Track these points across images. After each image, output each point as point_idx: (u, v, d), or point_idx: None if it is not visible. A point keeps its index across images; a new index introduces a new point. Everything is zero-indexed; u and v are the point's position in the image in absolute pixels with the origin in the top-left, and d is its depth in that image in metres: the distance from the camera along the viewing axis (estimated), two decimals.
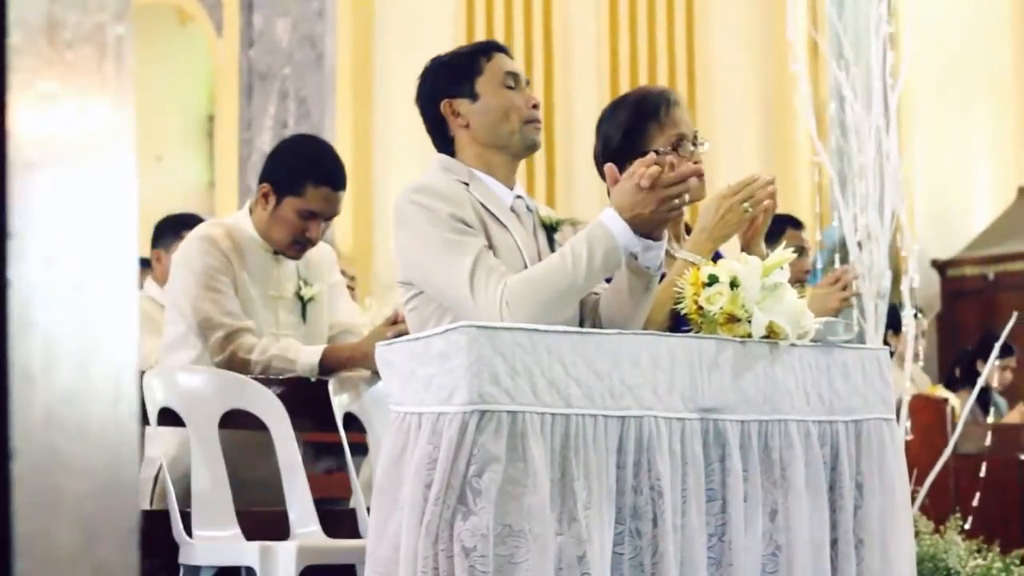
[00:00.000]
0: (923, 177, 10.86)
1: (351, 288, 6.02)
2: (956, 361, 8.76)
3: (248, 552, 3.52)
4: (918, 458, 5.58)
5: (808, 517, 3.28)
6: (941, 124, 11.38)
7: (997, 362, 7.18)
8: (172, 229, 5.47)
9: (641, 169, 3.14)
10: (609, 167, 3.28)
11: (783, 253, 3.35)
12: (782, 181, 11.10)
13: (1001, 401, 8.35)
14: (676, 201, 3.16)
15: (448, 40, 9.74)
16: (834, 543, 3.36)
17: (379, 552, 2.99)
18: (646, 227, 3.16)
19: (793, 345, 3.34)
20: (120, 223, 1.10)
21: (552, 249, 3.48)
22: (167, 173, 12.92)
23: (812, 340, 3.39)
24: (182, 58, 12.96)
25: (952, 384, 7.91)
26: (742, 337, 3.29)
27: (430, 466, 2.89)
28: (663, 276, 3.41)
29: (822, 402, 3.41)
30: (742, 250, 3.59)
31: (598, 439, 3.00)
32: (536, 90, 10.79)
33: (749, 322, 3.29)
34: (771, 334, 3.31)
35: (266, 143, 11.29)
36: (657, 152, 3.65)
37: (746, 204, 3.56)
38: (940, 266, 11.55)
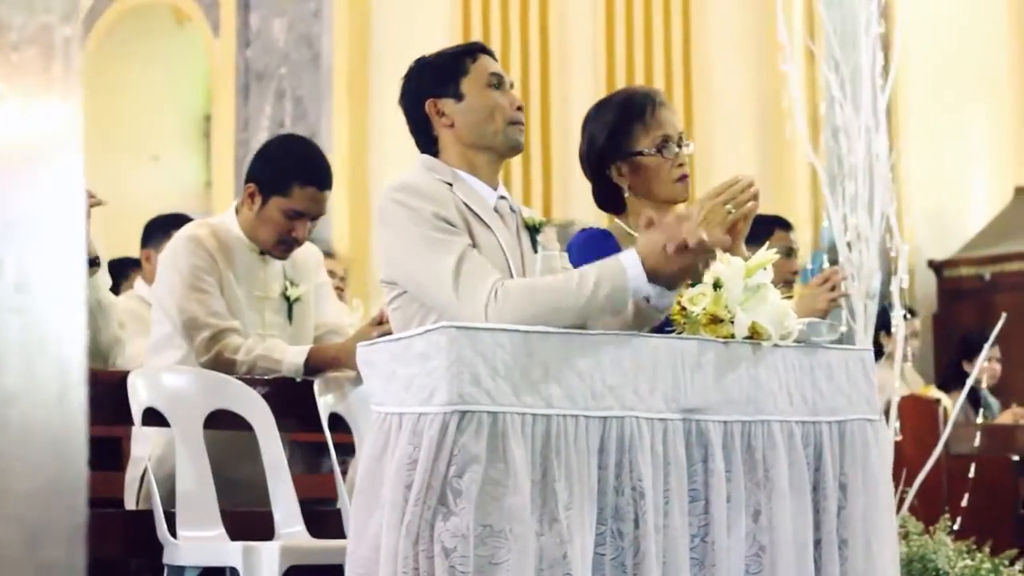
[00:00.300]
0: (919, 177, 10.84)
1: (339, 289, 6.03)
2: (950, 362, 8.77)
3: (231, 552, 3.52)
4: (910, 459, 5.58)
5: (791, 518, 3.28)
6: (937, 124, 11.37)
7: (985, 364, 7.20)
8: (162, 229, 5.48)
9: (673, 229, 3.10)
10: (647, 214, 3.23)
11: (766, 254, 3.35)
12: (777, 181, 11.11)
13: (994, 402, 8.36)
14: (700, 267, 3.15)
15: (444, 41, 9.74)
16: (817, 543, 3.36)
17: (359, 552, 3.00)
18: (663, 281, 3.14)
19: (776, 346, 3.34)
20: (67, 224, 1.10)
21: (535, 250, 3.48)
22: (164, 173, 12.95)
23: (795, 341, 3.40)
24: (179, 58, 12.97)
25: (946, 385, 7.92)
26: (725, 338, 3.29)
27: (410, 466, 2.89)
28: None
29: (805, 403, 3.41)
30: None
31: (579, 440, 3.00)
32: (532, 91, 10.79)
33: (732, 323, 3.29)
34: (754, 335, 3.31)
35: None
36: (643, 154, 3.66)
37: (729, 206, 3.56)
38: (936, 266, 11.54)
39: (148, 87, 12.81)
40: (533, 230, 3.52)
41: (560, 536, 2.91)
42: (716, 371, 3.24)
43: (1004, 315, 5.67)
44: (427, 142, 3.49)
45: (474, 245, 3.29)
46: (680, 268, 3.11)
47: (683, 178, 3.68)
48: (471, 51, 3.54)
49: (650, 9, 10.83)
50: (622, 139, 3.68)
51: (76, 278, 1.12)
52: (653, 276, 3.11)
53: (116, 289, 5.90)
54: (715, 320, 3.28)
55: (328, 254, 8.01)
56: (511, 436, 2.89)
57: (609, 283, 3.09)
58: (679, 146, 3.69)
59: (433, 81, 3.48)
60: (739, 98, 10.50)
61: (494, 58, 3.56)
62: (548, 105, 10.82)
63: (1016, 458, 6.77)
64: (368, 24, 11.56)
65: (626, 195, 3.71)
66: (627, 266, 3.11)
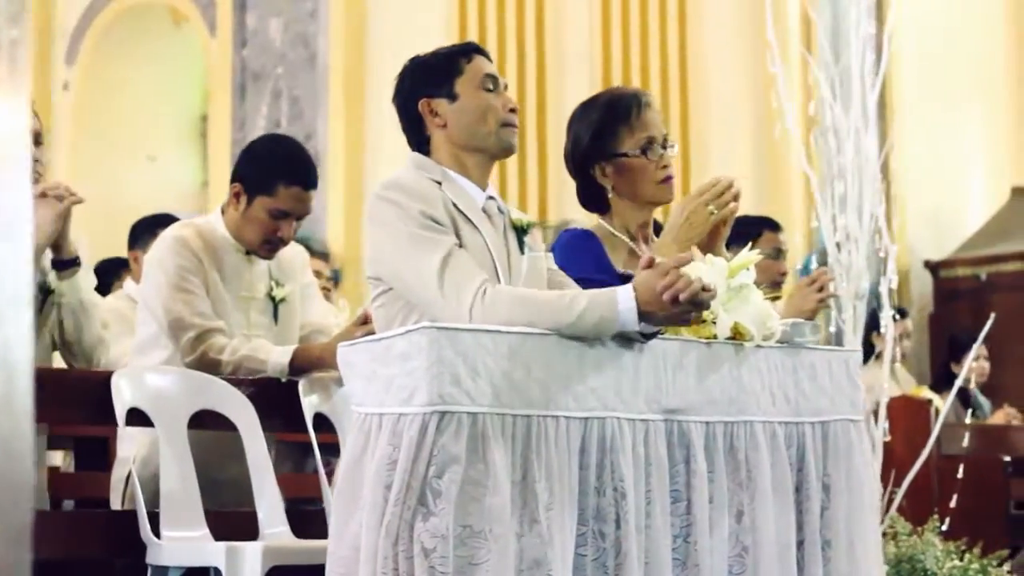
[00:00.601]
0: (915, 177, 10.85)
1: (326, 289, 6.03)
2: (940, 363, 8.78)
3: (214, 552, 3.52)
4: (900, 459, 5.59)
5: (774, 518, 3.28)
6: (934, 124, 11.37)
7: (973, 364, 7.20)
8: (148, 229, 5.48)
9: (672, 277, 3.08)
10: (648, 255, 3.21)
11: (749, 255, 3.35)
12: (772, 182, 11.08)
13: (985, 402, 8.36)
14: (692, 314, 3.14)
15: (440, 41, 9.70)
16: (800, 544, 3.36)
17: (339, 552, 3.00)
18: (655, 320, 3.12)
19: (759, 346, 3.34)
20: (13, 226, 1.10)
21: (522, 251, 3.47)
22: (160, 173, 12.95)
23: (779, 342, 3.40)
24: (176, 58, 12.97)
25: (937, 386, 7.92)
26: (707, 338, 3.29)
27: (390, 467, 2.89)
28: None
29: (788, 403, 3.41)
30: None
31: (560, 440, 3.00)
32: (528, 92, 10.79)
33: (714, 323, 3.29)
34: (736, 335, 3.31)
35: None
36: (627, 155, 3.66)
37: (711, 207, 3.57)
38: (933, 267, 11.54)
39: (145, 87, 12.82)
40: (520, 231, 3.52)
41: (541, 537, 2.91)
42: (698, 372, 3.24)
43: (993, 316, 5.68)
44: (419, 141, 3.48)
45: (460, 245, 3.29)
46: (672, 314, 3.09)
47: (667, 180, 3.68)
48: (466, 51, 3.53)
49: (646, 10, 10.82)
50: (607, 140, 3.69)
51: (23, 280, 1.12)
52: (644, 316, 3.09)
53: (107, 289, 5.91)
54: (697, 321, 3.28)
55: (324, 254, 8.01)
56: (491, 437, 2.89)
57: (598, 312, 3.07)
58: (664, 147, 3.69)
59: (427, 81, 3.47)
60: (734, 99, 10.50)
61: (488, 59, 3.55)
62: (543, 106, 10.82)
63: (1008, 458, 6.77)
64: (364, 24, 11.56)
65: (610, 195, 3.72)
66: (620, 300, 3.08)
